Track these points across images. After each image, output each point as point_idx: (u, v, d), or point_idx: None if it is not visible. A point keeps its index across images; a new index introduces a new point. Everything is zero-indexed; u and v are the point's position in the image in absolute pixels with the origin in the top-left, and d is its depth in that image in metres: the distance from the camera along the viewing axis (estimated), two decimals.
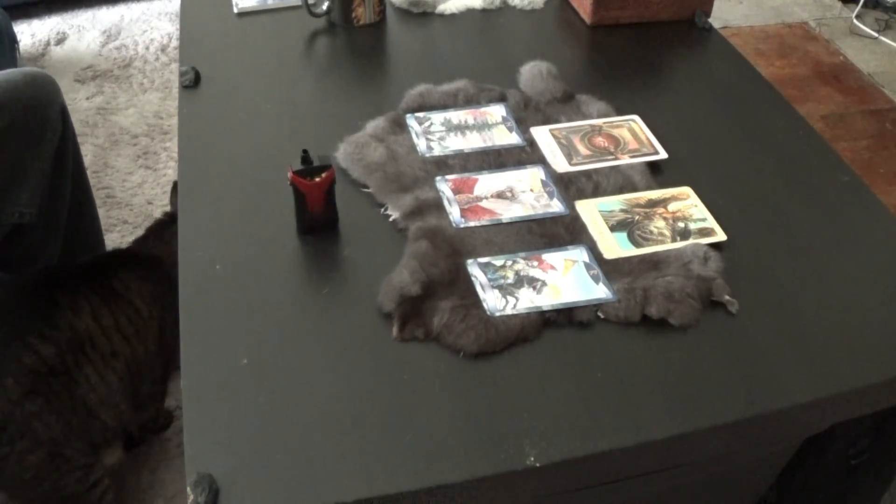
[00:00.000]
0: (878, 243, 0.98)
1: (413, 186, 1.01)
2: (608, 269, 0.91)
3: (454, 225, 0.96)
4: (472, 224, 0.96)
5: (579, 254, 0.93)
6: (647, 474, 0.84)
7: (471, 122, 1.11)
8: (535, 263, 0.91)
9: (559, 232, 0.96)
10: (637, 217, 0.98)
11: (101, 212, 1.52)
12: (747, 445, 0.88)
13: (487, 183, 1.02)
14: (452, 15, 1.39)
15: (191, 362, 0.81)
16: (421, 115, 1.12)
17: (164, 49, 2.48)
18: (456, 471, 0.72)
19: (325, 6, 1.33)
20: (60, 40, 2.53)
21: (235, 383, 0.79)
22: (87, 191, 1.41)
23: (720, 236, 0.96)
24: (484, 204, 0.99)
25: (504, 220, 0.97)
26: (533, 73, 1.20)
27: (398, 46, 1.32)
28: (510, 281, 0.89)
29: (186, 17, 1.37)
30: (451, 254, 0.91)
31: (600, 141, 1.09)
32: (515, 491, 0.75)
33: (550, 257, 0.92)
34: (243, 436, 0.74)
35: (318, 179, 0.92)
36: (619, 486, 0.84)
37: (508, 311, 0.85)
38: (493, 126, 1.11)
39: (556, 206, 0.99)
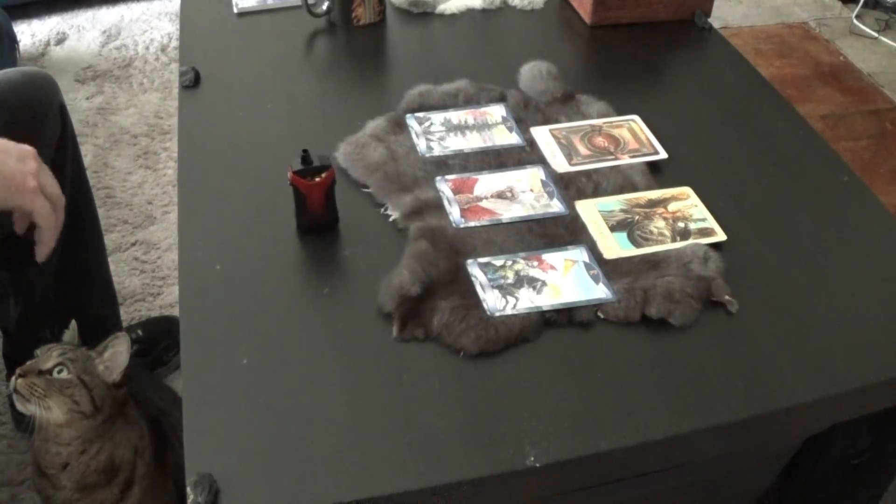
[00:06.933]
0: (878, 243, 0.98)
1: (413, 186, 1.01)
2: (608, 269, 0.91)
3: (454, 225, 0.96)
4: (472, 224, 0.96)
5: (579, 254, 0.93)
6: (647, 474, 0.83)
7: (471, 122, 1.11)
8: (535, 263, 0.91)
9: (559, 232, 0.96)
10: (637, 217, 0.98)
11: (101, 212, 1.52)
12: (747, 445, 0.88)
13: (487, 183, 1.02)
14: (452, 15, 1.39)
15: (191, 362, 0.81)
16: (421, 115, 1.12)
17: (164, 49, 2.48)
18: (456, 471, 0.72)
19: (325, 6, 1.33)
20: (60, 40, 2.52)
21: (235, 383, 0.79)
22: (87, 191, 1.40)
23: (720, 236, 0.95)
24: (484, 204, 0.99)
25: (504, 220, 0.97)
26: (533, 73, 1.20)
27: (398, 46, 1.32)
28: (510, 281, 0.89)
29: (186, 17, 1.37)
30: (451, 254, 0.91)
31: (600, 141, 1.09)
32: (515, 491, 0.75)
33: (550, 257, 0.92)
34: (243, 436, 0.74)
35: (318, 179, 0.92)
36: (619, 486, 0.84)
37: (508, 311, 0.85)
38: (493, 126, 1.11)
39: (556, 206, 0.99)
